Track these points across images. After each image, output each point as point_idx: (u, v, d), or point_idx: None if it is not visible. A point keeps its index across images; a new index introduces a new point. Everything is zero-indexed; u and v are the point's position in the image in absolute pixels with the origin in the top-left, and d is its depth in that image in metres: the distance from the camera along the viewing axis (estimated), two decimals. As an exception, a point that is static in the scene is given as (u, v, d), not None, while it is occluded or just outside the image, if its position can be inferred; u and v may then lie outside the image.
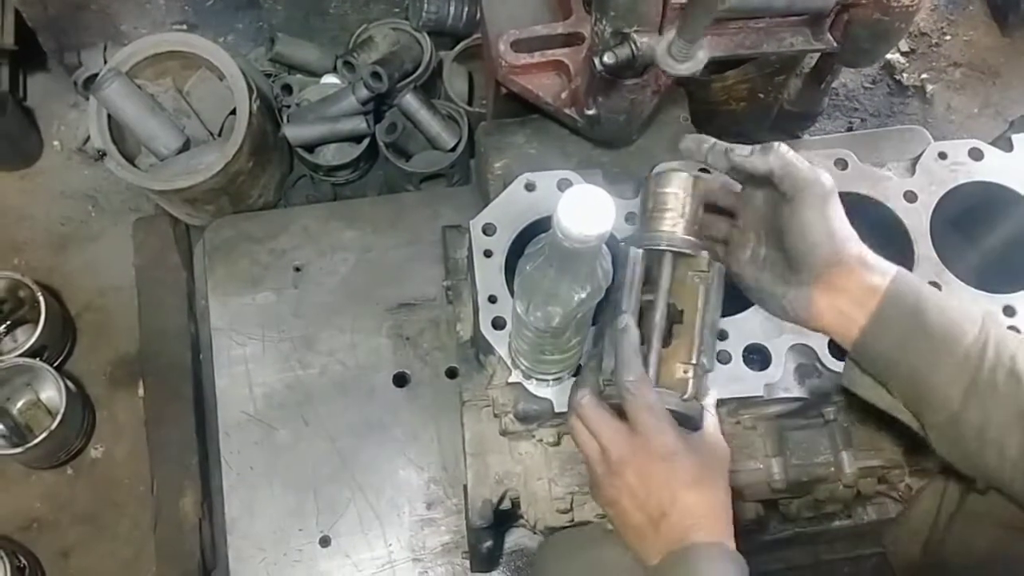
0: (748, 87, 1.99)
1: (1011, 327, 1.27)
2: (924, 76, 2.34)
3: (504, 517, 1.49)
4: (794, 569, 1.87)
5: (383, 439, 1.77)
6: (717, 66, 1.92)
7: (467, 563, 1.69)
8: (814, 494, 1.43)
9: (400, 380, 1.82)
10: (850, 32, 1.47)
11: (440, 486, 1.75)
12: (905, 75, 2.33)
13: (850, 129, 2.29)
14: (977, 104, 2.33)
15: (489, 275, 1.28)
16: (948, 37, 2.40)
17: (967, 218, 1.39)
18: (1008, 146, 1.38)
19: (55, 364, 1.95)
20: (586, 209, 0.85)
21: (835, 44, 1.48)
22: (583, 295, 0.98)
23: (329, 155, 2.06)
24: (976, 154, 1.37)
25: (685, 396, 1.11)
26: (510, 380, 1.25)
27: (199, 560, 1.83)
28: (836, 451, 1.38)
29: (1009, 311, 1.28)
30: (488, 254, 1.30)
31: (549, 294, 0.98)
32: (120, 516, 1.93)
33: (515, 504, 1.44)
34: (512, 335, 1.20)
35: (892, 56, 2.33)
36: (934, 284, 1.28)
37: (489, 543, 1.56)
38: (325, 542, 1.71)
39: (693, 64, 1.25)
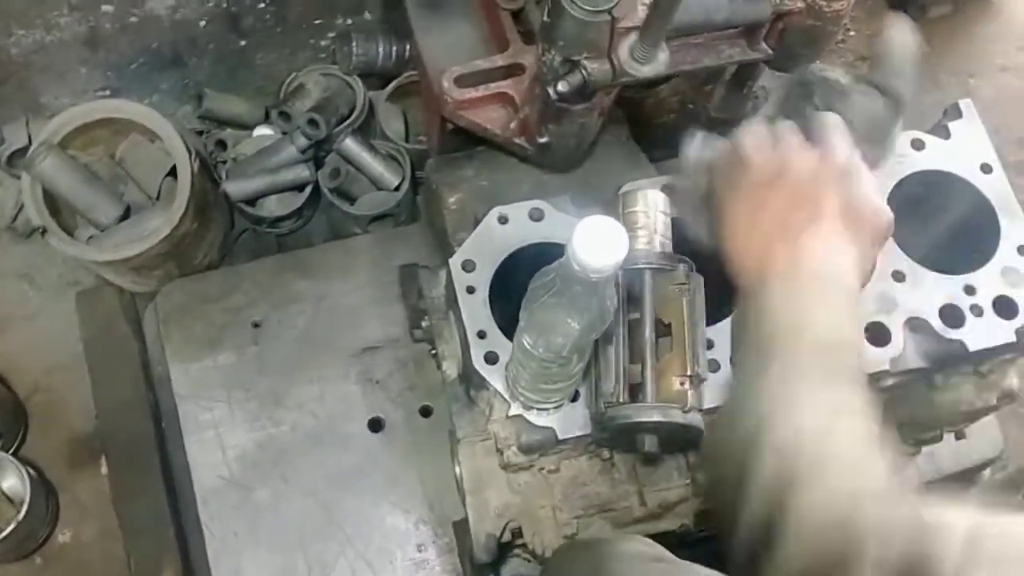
0: (679, 99, 2.05)
1: (973, 305, 1.33)
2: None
3: (504, 549, 1.49)
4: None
5: (365, 487, 1.75)
6: (650, 82, 1.97)
7: (466, 600, 1.68)
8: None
9: (374, 425, 1.80)
10: (784, 39, 1.53)
11: (429, 526, 1.73)
12: (817, 72, 2.42)
13: (773, 129, 2.36)
14: (887, 94, 2.43)
15: (475, 311, 1.29)
16: (852, 33, 2.50)
17: (917, 207, 1.46)
18: (945, 134, 1.45)
19: (10, 451, 1.88)
20: (601, 239, 0.87)
21: (770, 52, 1.54)
22: (593, 322, 0.99)
23: (272, 206, 2.04)
24: (918, 144, 1.43)
25: (686, 408, 1.14)
26: (510, 413, 1.26)
27: (186, 635, 1.79)
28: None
29: (969, 290, 1.34)
30: (471, 290, 1.31)
31: (559, 324, 1.00)
32: (97, 601, 1.87)
33: (515, 535, 1.45)
34: (511, 367, 1.21)
35: (803, 56, 2.42)
36: (898, 273, 1.34)
37: (489, 577, 1.56)
38: (319, 599, 1.69)
39: (656, 66, 1.29)
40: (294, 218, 2.06)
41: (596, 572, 1.19)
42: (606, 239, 0.87)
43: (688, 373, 1.15)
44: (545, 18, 1.39)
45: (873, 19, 2.52)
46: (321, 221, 2.14)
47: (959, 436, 1.63)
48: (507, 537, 1.45)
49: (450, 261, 1.32)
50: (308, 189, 2.01)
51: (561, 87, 1.40)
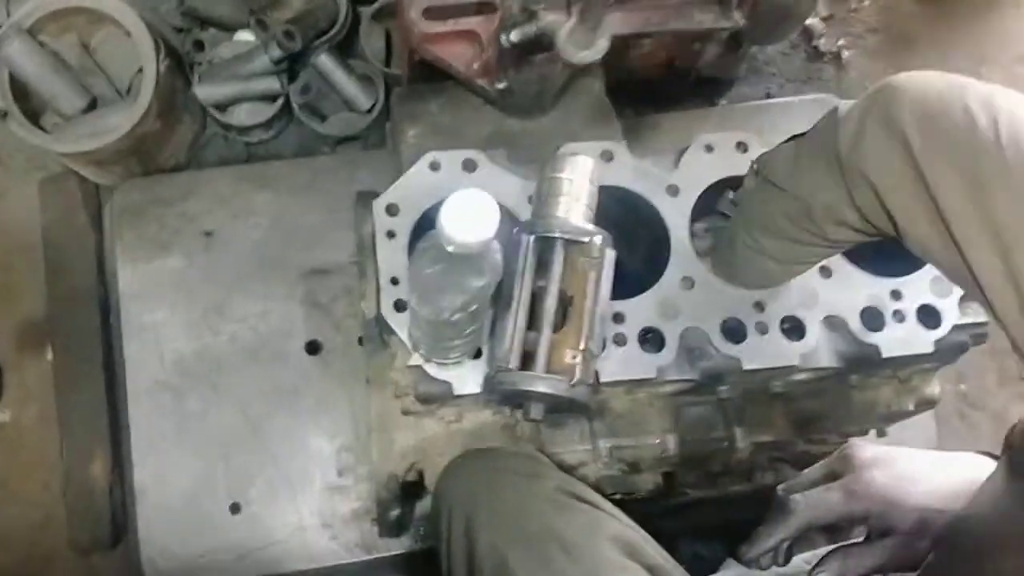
0: (665, 54, 2.00)
1: (897, 311, 1.31)
2: (841, 42, 2.36)
3: (413, 488, 1.51)
4: (699, 531, 1.93)
5: (295, 407, 1.77)
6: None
7: (376, 529, 1.71)
8: (708, 467, 1.47)
9: (313, 347, 1.82)
10: (757, 11, 1.48)
11: (351, 453, 1.76)
12: (823, 40, 2.35)
13: (768, 95, 2.31)
14: (891, 71, 2.34)
15: (392, 256, 1.28)
16: (866, 2, 2.42)
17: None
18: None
19: (-40, 328, 1.92)
20: (468, 216, 0.86)
21: (742, 22, 1.49)
22: (472, 290, 0.99)
23: (242, 115, 2.02)
24: (742, 147, 1.38)
25: (573, 382, 1.14)
26: (410, 363, 1.26)
27: (109, 524, 1.84)
28: (729, 427, 1.42)
29: (896, 295, 1.32)
30: (391, 235, 1.30)
31: (439, 289, 0.99)
32: (29, 480, 1.91)
33: (422, 476, 1.47)
34: (411, 320, 1.21)
35: (811, 22, 2.34)
36: (825, 268, 1.31)
37: (396, 512, 1.58)
38: (235, 509, 1.72)
39: (593, 52, 1.26)
40: (264, 129, 2.04)
41: (487, 484, 1.25)
42: (475, 215, 0.86)
43: (581, 347, 1.15)
44: (506, -39, 1.35)
45: (890, -9, 2.44)
46: (293, 135, 2.12)
47: (880, 434, 1.61)
48: (414, 477, 1.47)
49: (374, 202, 1.31)
50: (279, 102, 1.99)
51: (513, 36, 1.36)
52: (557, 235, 1.18)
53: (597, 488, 1.42)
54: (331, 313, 1.84)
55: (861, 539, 1.17)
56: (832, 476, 1.17)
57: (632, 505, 1.59)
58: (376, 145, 2.06)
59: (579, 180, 1.22)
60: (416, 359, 1.25)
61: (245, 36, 2.07)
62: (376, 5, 2.05)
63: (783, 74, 2.34)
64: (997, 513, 0.93)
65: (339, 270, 1.86)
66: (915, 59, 2.39)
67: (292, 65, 2.01)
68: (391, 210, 1.31)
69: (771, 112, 2.08)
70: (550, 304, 1.16)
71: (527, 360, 1.16)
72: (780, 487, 1.20)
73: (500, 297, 1.17)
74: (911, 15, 2.42)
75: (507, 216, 1.32)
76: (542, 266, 1.19)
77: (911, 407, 1.46)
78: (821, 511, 1.15)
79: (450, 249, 0.88)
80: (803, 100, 2.12)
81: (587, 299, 1.16)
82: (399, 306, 1.26)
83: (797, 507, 1.15)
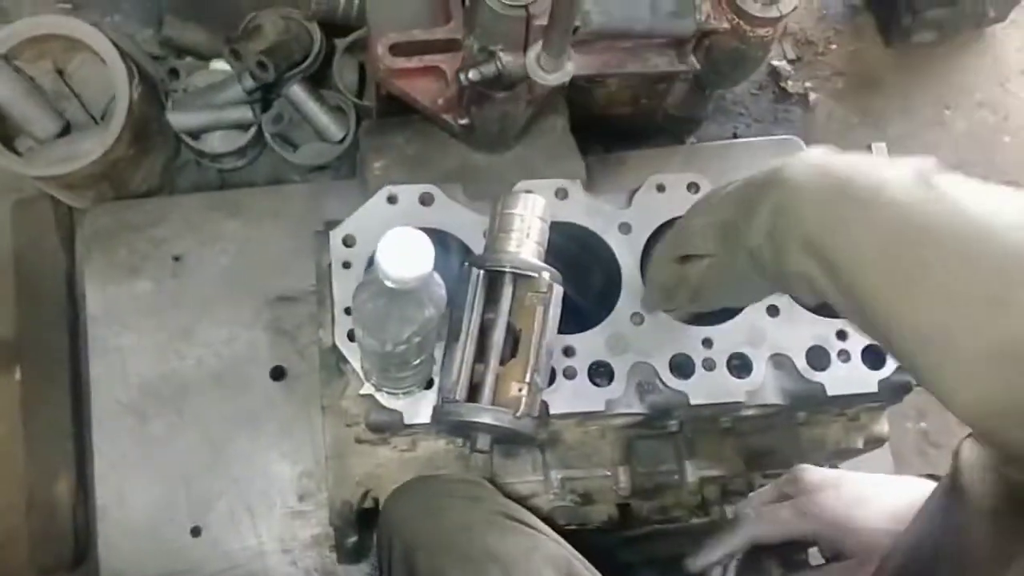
0: (631, 93, 2.04)
1: (842, 350, 1.35)
2: (808, 84, 2.41)
3: (368, 515, 1.53)
4: (656, 562, 1.95)
5: (257, 432, 1.80)
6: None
7: (336, 555, 1.73)
8: (660, 500, 1.50)
9: (277, 373, 1.84)
10: (711, 57, 1.52)
11: (312, 479, 1.78)
12: (790, 83, 2.40)
13: (735, 134, 2.35)
14: (857, 114, 2.42)
15: (346, 287, 1.31)
16: (834, 46, 2.47)
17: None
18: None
19: (-72, 346, 1.93)
20: (404, 253, 0.89)
21: (697, 67, 1.54)
22: (414, 322, 1.02)
23: (215, 142, 2.05)
24: (694, 188, 1.40)
25: (518, 414, 1.16)
26: (362, 392, 1.28)
27: (72, 544, 1.85)
28: (680, 460, 1.45)
29: (841, 335, 1.35)
30: (347, 265, 1.33)
31: (381, 322, 1.02)
32: (-8, 499, 1.93)
33: (377, 503, 1.49)
34: (360, 351, 1.23)
35: (779, 63, 2.39)
36: (773, 308, 1.35)
37: (353, 538, 1.60)
38: (196, 532, 1.74)
39: (562, 75, 1.30)
40: (236, 156, 2.07)
41: (428, 508, 1.27)
42: (411, 251, 0.89)
43: (527, 380, 1.17)
44: (467, 3, 1.39)
45: (858, 37, 2.49)
46: (267, 163, 2.15)
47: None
48: (370, 504, 1.49)
49: (331, 233, 1.34)
50: (252, 130, 2.02)
51: (472, 75, 1.40)
52: (506, 269, 1.20)
53: (550, 519, 1.45)
54: (296, 340, 1.86)
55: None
56: (782, 498, 1.20)
57: (587, 536, 1.63)
58: (347, 175, 2.09)
59: (530, 217, 1.25)
60: (368, 388, 1.28)
61: (220, 65, 2.11)
62: (350, 38, 2.09)
63: (751, 114, 2.39)
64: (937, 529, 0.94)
65: (305, 297, 1.88)
66: (880, 102, 2.44)
67: (265, 95, 2.05)
68: (347, 241, 1.34)
69: (736, 151, 2.13)
70: (498, 337, 1.18)
71: (474, 392, 1.18)
72: (731, 510, 1.22)
73: (451, 329, 1.19)
74: (877, 59, 2.47)
75: (461, 249, 1.35)
76: (491, 299, 1.21)
77: (860, 444, 1.49)
78: (770, 526, 1.17)
79: (389, 284, 0.91)
80: (768, 140, 2.18)
81: (534, 333, 1.18)
82: (352, 336, 1.29)
83: (747, 519, 1.17)
